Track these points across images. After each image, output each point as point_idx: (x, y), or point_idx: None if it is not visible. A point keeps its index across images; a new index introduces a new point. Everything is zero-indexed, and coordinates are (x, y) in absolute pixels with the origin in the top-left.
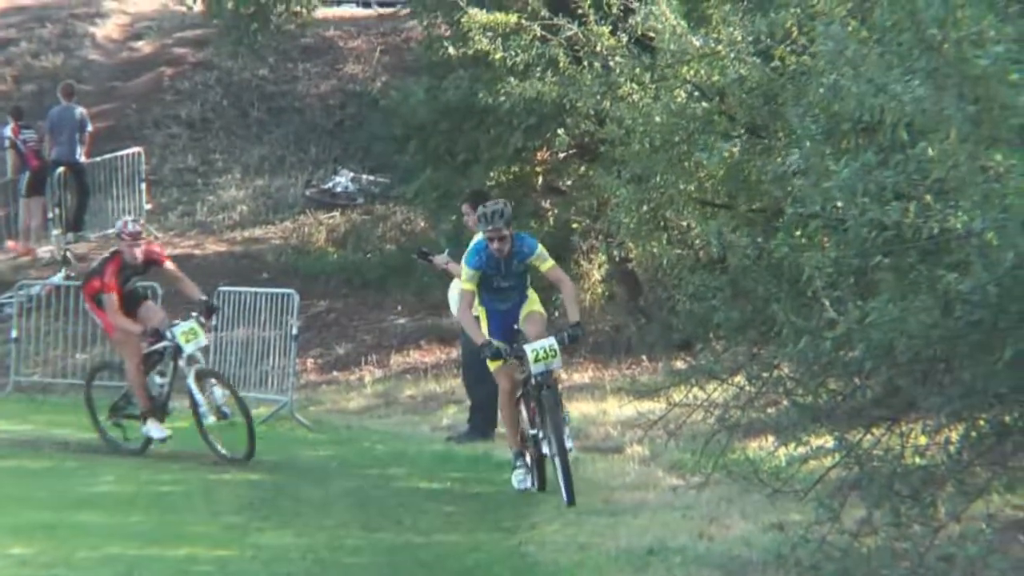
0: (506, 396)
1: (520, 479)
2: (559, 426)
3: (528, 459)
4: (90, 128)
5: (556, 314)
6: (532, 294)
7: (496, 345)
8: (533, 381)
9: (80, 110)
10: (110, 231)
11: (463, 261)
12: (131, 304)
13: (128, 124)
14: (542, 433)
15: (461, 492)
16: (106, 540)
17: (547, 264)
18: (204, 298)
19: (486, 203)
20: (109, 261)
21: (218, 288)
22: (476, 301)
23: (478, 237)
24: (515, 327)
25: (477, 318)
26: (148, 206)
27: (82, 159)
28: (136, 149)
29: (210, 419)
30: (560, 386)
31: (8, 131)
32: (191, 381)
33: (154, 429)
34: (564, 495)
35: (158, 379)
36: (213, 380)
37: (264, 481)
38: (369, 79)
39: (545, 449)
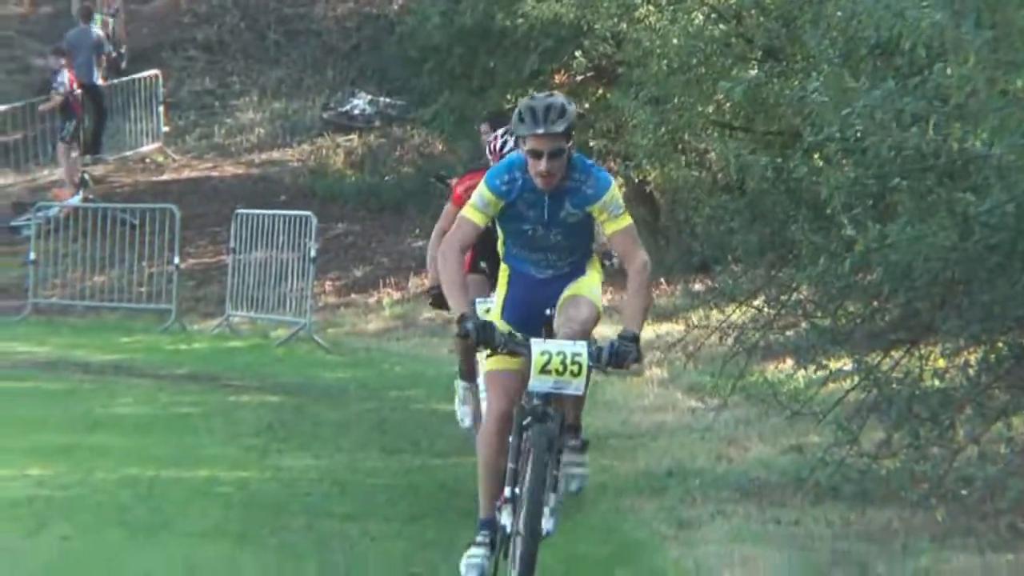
0: (494, 424)
1: (472, 563)
2: (536, 491)
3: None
4: (108, 50)
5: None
6: (594, 266)
7: (480, 322)
8: (527, 402)
9: (98, 32)
10: (128, 153)
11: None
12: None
13: (145, 47)
14: (515, 491)
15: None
16: (125, 461)
17: (617, 223)
18: None
19: (534, 96)
20: (478, 170)
21: (236, 210)
22: (500, 252)
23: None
24: (547, 312)
25: (482, 275)
26: (166, 129)
27: (99, 81)
28: (153, 72)
29: None
30: (579, 430)
31: (65, 78)
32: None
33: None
34: None
35: None
36: None
37: (283, 403)
38: (386, 2)
39: (506, 520)
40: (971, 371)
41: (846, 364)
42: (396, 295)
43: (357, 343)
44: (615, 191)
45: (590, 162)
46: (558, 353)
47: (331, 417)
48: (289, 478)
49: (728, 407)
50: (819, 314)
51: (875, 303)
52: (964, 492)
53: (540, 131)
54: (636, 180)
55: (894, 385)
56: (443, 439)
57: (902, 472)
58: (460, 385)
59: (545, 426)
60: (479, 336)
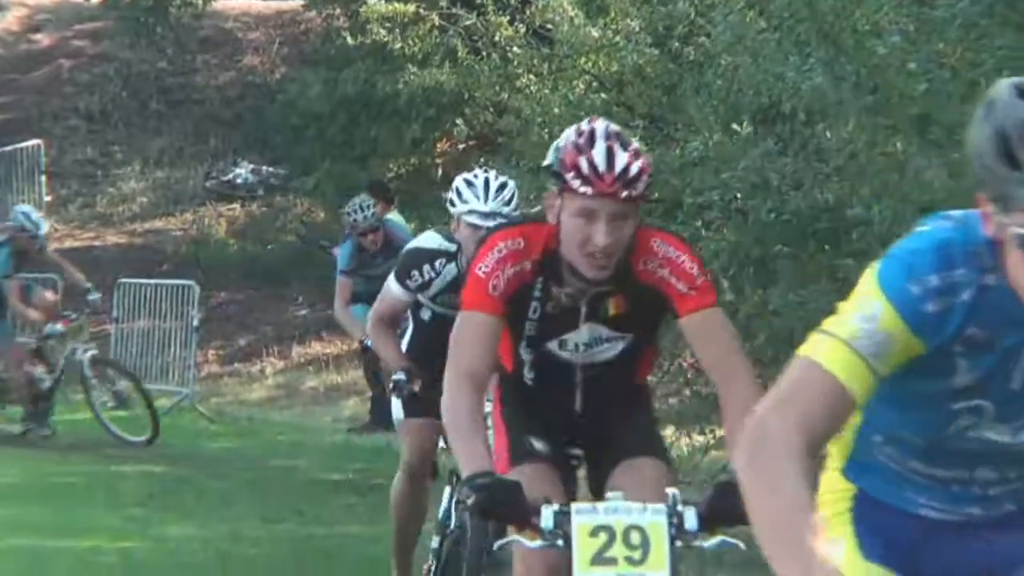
0: None
1: None
2: None
3: None
4: None
5: None
6: None
7: None
8: None
9: None
10: (9, 223)
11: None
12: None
13: (27, 116)
14: None
15: (362, 483)
16: (6, 532)
17: None
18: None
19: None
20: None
21: (118, 280)
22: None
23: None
24: None
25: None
26: (48, 198)
27: None
28: (35, 141)
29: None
30: None
31: None
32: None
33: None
34: None
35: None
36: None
37: (166, 473)
38: (268, 71)
39: None
40: None
41: None
42: (279, 364)
43: (240, 412)
44: None
45: None
46: None
47: (214, 487)
48: (172, 548)
49: None
50: (702, 381)
51: (758, 370)
52: None
53: None
54: None
55: None
56: (327, 508)
57: None
58: None
59: None
60: None
